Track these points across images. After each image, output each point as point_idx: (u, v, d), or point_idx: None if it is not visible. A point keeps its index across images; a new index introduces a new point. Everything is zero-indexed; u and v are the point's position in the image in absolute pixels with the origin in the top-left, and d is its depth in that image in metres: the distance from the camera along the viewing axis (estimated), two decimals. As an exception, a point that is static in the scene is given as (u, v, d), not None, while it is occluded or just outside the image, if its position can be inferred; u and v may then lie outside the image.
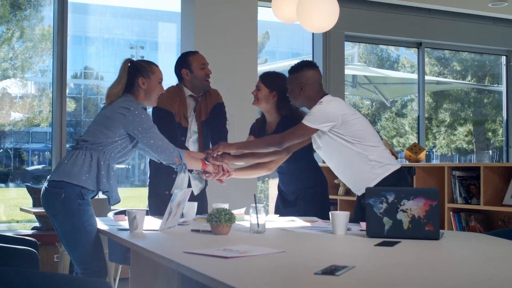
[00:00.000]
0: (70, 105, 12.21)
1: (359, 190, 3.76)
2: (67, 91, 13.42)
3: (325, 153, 3.83)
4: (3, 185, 12.86)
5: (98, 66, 13.21)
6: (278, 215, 4.13)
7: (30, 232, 6.14)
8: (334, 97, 3.77)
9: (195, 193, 4.28)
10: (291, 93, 3.85)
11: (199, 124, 4.25)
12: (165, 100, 4.12)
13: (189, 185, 4.23)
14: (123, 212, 3.86)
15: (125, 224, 3.42)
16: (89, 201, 3.44)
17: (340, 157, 3.74)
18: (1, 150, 13.52)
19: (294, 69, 3.84)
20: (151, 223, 3.52)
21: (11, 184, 12.83)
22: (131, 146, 3.60)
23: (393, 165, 3.71)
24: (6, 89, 11.04)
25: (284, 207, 4.28)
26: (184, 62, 4.29)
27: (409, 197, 2.94)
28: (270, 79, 4.18)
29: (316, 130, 3.68)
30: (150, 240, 2.99)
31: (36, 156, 13.78)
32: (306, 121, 3.67)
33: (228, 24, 6.49)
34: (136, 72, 3.62)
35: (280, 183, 4.36)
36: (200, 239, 3.02)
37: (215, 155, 3.98)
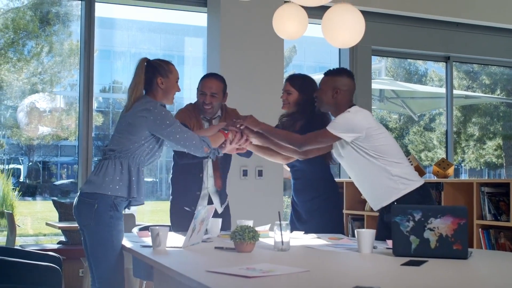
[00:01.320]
0: (98, 119, 12.31)
1: (377, 205, 3.71)
2: (96, 105, 13.55)
3: (347, 163, 3.78)
4: (30, 198, 12.97)
5: (126, 80, 13.30)
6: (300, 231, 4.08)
7: (56, 246, 6.15)
8: (362, 109, 3.72)
9: (219, 211, 4.24)
10: (322, 95, 3.79)
11: None
12: (183, 115, 4.15)
13: (210, 203, 4.19)
14: (147, 228, 3.84)
15: (148, 240, 3.40)
16: (121, 215, 3.45)
17: (361, 170, 3.70)
18: (31, 163, 13.66)
19: (333, 72, 3.80)
20: (175, 240, 3.49)
21: (39, 197, 12.94)
22: (158, 146, 3.58)
23: (416, 182, 3.65)
24: (35, 104, 11.15)
25: (298, 221, 4.24)
26: (199, 83, 4.29)
27: (437, 215, 2.88)
28: (299, 81, 4.14)
29: (338, 138, 3.63)
30: (173, 257, 2.96)
31: (65, 170, 13.89)
32: (330, 128, 3.62)
33: (254, 39, 6.46)
34: (155, 71, 3.60)
35: (293, 192, 4.31)
36: (223, 256, 2.99)
37: (238, 125, 3.94)
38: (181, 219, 4.06)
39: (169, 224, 4.28)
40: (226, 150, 3.95)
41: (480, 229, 5.24)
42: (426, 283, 2.31)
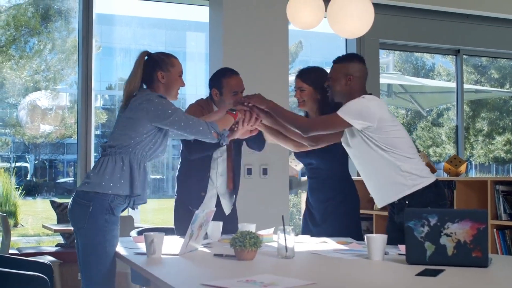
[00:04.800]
0: (102, 117, 12.16)
1: (382, 201, 3.49)
2: (102, 102, 13.42)
3: (354, 154, 3.55)
4: (36, 197, 12.86)
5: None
6: (305, 234, 3.86)
7: (54, 249, 5.97)
8: (377, 98, 3.48)
9: (227, 212, 4.03)
10: (334, 83, 3.54)
11: (229, 143, 3.98)
12: (195, 110, 3.90)
13: (218, 205, 3.97)
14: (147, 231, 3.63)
15: (144, 246, 3.18)
16: (117, 218, 3.23)
17: (369, 162, 3.46)
18: (37, 161, 13.56)
19: (343, 59, 3.56)
20: (173, 245, 3.27)
21: (44, 196, 12.81)
22: (161, 140, 3.35)
23: (428, 178, 3.41)
24: (37, 101, 10.99)
25: (312, 224, 4.01)
26: (216, 82, 4.00)
27: (454, 219, 2.65)
28: (311, 75, 3.89)
29: (348, 125, 3.38)
30: (167, 267, 2.74)
31: (72, 168, 13.77)
32: (341, 112, 3.37)
33: (258, 33, 6.24)
34: (155, 65, 3.39)
35: (308, 191, 4.08)
36: (222, 265, 2.76)
37: (246, 103, 3.68)
38: (185, 220, 3.85)
39: (173, 225, 4.08)
40: (238, 134, 3.71)
41: (495, 230, 5.03)
42: (444, 297, 2.09)
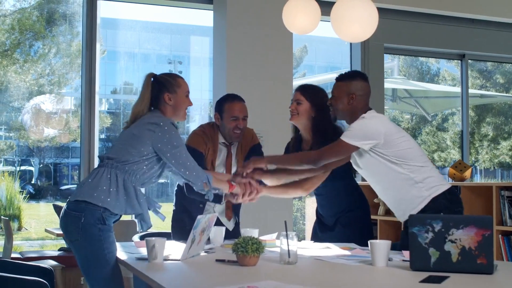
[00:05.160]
0: (106, 120, 12.15)
1: (403, 216, 3.42)
2: (107, 106, 13.42)
3: (367, 174, 3.51)
4: (40, 200, 12.85)
5: (137, 82, 13.19)
6: (314, 241, 3.82)
7: (57, 253, 5.94)
8: (378, 114, 3.45)
9: (230, 228, 3.99)
10: (337, 101, 3.49)
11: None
12: (198, 140, 3.87)
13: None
14: (149, 236, 3.60)
15: (146, 251, 3.15)
16: (110, 226, 3.18)
17: (383, 179, 3.42)
18: (41, 165, 13.54)
19: (346, 77, 3.51)
20: (175, 250, 3.25)
21: (48, 200, 12.80)
22: (157, 168, 3.30)
23: (442, 186, 3.36)
24: (41, 105, 10.99)
25: (321, 232, 3.97)
26: (218, 106, 3.97)
27: (459, 225, 2.62)
28: (311, 92, 3.83)
29: (356, 148, 3.35)
30: (169, 272, 2.71)
31: (77, 171, 13.76)
32: (345, 137, 3.35)
33: (261, 38, 6.22)
34: (161, 87, 3.36)
35: (318, 206, 4.04)
36: (224, 271, 2.73)
37: (245, 174, 3.67)
38: (181, 231, 3.83)
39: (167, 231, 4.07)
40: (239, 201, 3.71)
41: (500, 235, 4.99)
42: (449, 305, 2.06)
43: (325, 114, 3.70)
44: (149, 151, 3.23)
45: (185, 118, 3.50)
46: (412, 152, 3.37)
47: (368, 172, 3.49)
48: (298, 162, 3.57)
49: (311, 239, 3.98)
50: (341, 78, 3.53)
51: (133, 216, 3.29)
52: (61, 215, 3.22)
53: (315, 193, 3.98)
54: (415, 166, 3.34)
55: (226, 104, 3.92)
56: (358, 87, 3.48)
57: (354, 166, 3.58)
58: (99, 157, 3.31)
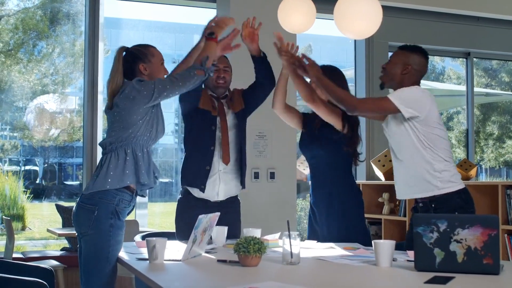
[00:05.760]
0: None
1: (404, 194, 3.44)
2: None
3: (391, 141, 3.50)
4: (44, 200, 12.84)
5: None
6: (316, 240, 3.79)
7: (59, 253, 5.91)
8: (429, 92, 3.42)
9: (221, 197, 3.99)
10: (391, 68, 3.49)
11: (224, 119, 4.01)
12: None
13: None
14: (150, 236, 3.56)
15: (146, 251, 3.11)
16: (122, 223, 3.16)
17: (405, 151, 3.39)
18: (46, 165, 13.53)
19: (408, 48, 3.52)
20: (176, 250, 3.20)
21: (52, 199, 12.79)
22: (157, 119, 3.28)
23: (457, 184, 3.35)
24: (44, 105, 10.96)
25: (317, 225, 3.97)
26: None
27: (464, 225, 2.57)
28: (327, 71, 3.87)
29: (397, 110, 3.31)
30: (169, 273, 2.67)
31: (81, 171, 13.77)
32: (392, 97, 3.30)
33: (265, 37, 6.15)
34: (135, 58, 3.31)
35: (311, 192, 4.04)
36: (225, 272, 2.69)
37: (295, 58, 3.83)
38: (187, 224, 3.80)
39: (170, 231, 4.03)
40: (219, 49, 3.63)
41: (506, 235, 4.94)
42: (454, 306, 2.01)
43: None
44: (142, 114, 3.19)
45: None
46: (442, 142, 3.35)
47: (392, 139, 3.48)
48: (337, 97, 3.48)
49: (308, 236, 3.97)
50: (403, 47, 3.54)
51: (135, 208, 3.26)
52: (74, 208, 3.20)
53: (311, 175, 4.01)
54: (439, 157, 3.32)
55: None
56: (416, 61, 3.47)
57: (384, 126, 3.55)
58: (100, 145, 3.28)
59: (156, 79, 3.23)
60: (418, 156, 3.34)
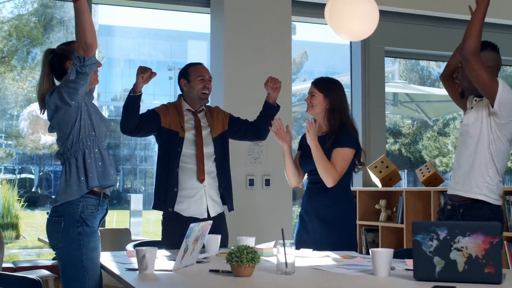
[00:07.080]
0: (108, 128, 12.10)
1: (456, 186, 3.34)
2: (107, 114, 13.33)
3: (463, 130, 3.38)
4: (39, 208, 12.75)
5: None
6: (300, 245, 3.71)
7: (50, 262, 5.81)
8: None
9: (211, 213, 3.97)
10: (464, 73, 3.33)
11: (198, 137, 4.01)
12: (158, 107, 4.06)
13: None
14: (142, 245, 3.47)
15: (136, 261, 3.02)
16: (93, 229, 3.09)
17: (472, 144, 3.30)
18: (41, 173, 13.46)
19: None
20: (167, 260, 3.11)
21: (41, 208, 12.70)
22: (94, 116, 3.17)
23: (497, 199, 3.29)
24: (37, 112, 10.89)
25: (307, 234, 3.90)
26: (183, 72, 4.13)
27: (465, 233, 2.48)
28: (323, 84, 3.92)
29: (492, 96, 3.16)
30: (160, 284, 2.57)
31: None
32: (501, 86, 3.17)
33: (259, 43, 6.09)
34: (61, 58, 3.21)
35: (306, 199, 3.97)
36: (218, 282, 2.59)
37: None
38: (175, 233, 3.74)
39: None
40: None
41: (505, 242, 4.85)
42: (456, 318, 1.93)
43: (339, 105, 3.84)
44: (74, 116, 3.11)
45: (98, 81, 3.37)
46: (504, 154, 3.29)
47: (464, 128, 3.37)
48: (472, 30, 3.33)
49: (296, 242, 3.90)
50: None
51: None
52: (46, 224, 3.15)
53: (309, 183, 3.97)
54: (495, 166, 3.27)
55: (190, 67, 4.13)
56: (488, 58, 3.33)
57: (463, 113, 3.47)
58: (55, 157, 3.23)
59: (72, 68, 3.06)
60: (484, 154, 3.26)
